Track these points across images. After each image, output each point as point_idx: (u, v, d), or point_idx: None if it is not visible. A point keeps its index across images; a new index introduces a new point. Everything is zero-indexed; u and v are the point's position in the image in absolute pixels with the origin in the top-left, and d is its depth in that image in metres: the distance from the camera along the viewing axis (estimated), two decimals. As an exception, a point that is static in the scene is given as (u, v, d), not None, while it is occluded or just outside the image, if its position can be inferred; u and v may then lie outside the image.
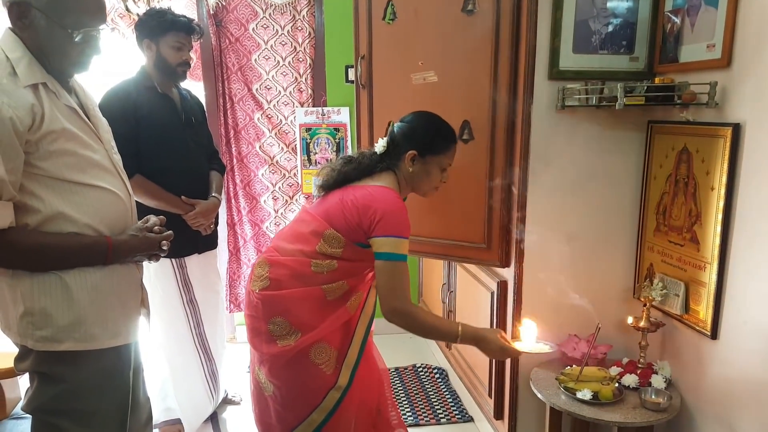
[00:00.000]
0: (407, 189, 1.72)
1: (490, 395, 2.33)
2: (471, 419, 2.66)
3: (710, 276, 1.70)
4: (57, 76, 1.38)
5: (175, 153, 2.29)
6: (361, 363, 1.69)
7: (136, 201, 1.67)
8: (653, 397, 1.80)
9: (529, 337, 1.76)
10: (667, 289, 1.87)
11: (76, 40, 1.34)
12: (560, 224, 2.01)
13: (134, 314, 1.52)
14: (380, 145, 1.69)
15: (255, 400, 1.76)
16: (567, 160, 1.97)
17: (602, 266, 2.07)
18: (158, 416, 2.46)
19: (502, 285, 2.15)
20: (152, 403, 1.71)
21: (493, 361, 2.26)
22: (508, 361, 2.15)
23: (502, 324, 2.18)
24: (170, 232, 1.54)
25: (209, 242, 2.48)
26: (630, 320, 1.91)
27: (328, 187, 1.69)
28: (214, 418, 2.62)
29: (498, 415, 2.30)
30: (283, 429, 1.68)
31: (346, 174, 1.67)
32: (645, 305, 1.87)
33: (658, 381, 1.86)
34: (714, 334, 1.70)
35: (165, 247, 1.51)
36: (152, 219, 1.54)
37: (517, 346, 1.69)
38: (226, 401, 2.73)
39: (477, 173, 2.06)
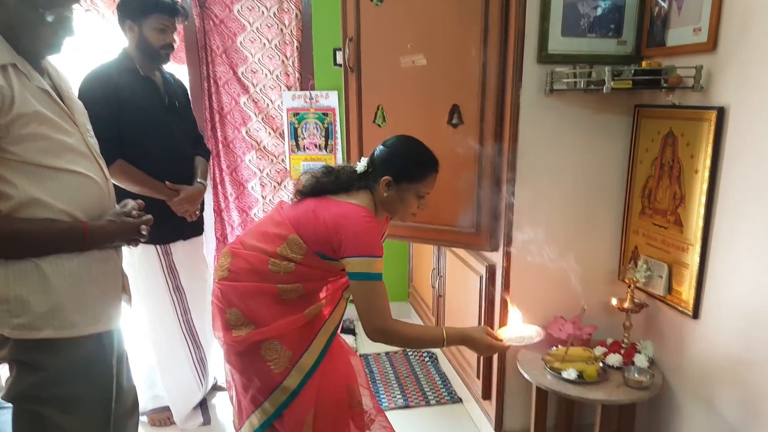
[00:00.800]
0: (383, 211, 1.73)
1: (478, 376, 2.38)
2: (460, 400, 2.72)
3: (693, 257, 1.75)
4: (28, 58, 1.34)
5: (158, 137, 2.28)
6: (325, 361, 1.70)
7: (120, 187, 1.65)
8: (636, 375, 1.85)
9: (515, 325, 1.77)
10: (651, 270, 1.93)
11: (48, 20, 1.31)
12: (547, 208, 2.05)
13: (115, 300, 1.51)
14: (362, 164, 1.71)
15: (228, 381, 1.82)
16: (555, 145, 2.00)
17: (588, 249, 2.12)
18: (146, 404, 2.48)
19: (491, 269, 2.19)
20: (140, 390, 1.70)
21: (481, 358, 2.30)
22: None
23: (489, 307, 2.22)
24: (149, 216, 1.52)
25: (195, 228, 2.48)
26: (614, 302, 1.96)
27: (305, 194, 1.71)
28: (203, 405, 2.63)
29: (486, 395, 2.35)
30: (246, 412, 1.74)
31: (323, 185, 1.69)
32: (629, 287, 1.92)
33: (641, 360, 1.92)
34: (696, 314, 1.76)
35: (144, 232, 1.49)
36: (130, 203, 1.53)
37: (504, 338, 1.69)
38: (216, 388, 2.76)
39: (466, 158, 2.08)
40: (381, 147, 1.72)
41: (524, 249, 2.05)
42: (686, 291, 1.79)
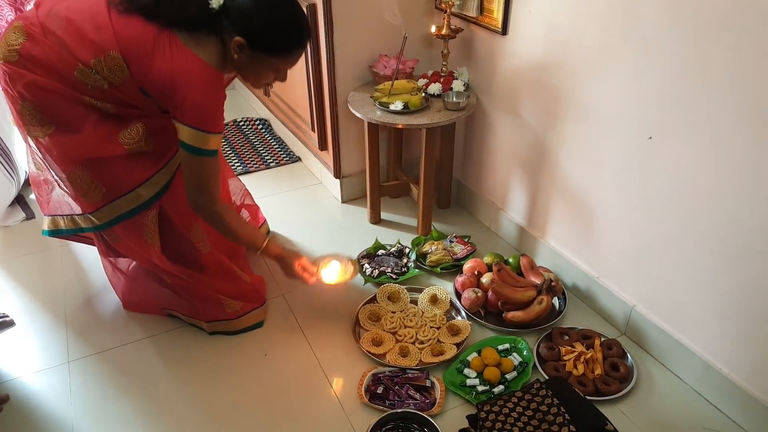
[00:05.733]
0: (231, 69, 1.37)
1: (313, 129, 2.33)
2: (298, 159, 2.70)
3: (503, -28, 1.72)
4: None
5: None
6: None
7: None
8: (454, 99, 1.92)
9: (333, 270, 1.70)
10: (465, -6, 1.88)
11: None
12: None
13: None
14: (216, 1, 1.25)
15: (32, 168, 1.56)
16: None
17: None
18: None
19: (312, 8, 1.99)
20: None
21: (313, 95, 2.20)
22: (326, 89, 2.10)
23: (315, 41, 2.06)
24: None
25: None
26: (433, 29, 1.92)
27: (138, 6, 1.26)
28: (21, 201, 2.31)
29: (323, 146, 2.34)
30: (53, 208, 1.54)
31: (164, 8, 1.25)
32: (446, 12, 1.88)
33: (458, 85, 1.97)
34: (504, 30, 1.79)
35: None
36: None
37: (322, 274, 1.66)
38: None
39: None
40: None
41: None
42: (496, 9, 1.79)
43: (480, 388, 1.48)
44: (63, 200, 1.53)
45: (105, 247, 1.65)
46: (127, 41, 1.25)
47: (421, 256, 1.99)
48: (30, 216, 2.24)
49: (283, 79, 1.42)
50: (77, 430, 1.44)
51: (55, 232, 1.59)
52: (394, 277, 1.90)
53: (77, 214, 1.51)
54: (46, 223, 1.60)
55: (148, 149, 1.41)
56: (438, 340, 1.65)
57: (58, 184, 1.48)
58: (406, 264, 1.96)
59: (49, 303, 1.84)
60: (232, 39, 1.27)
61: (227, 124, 2.99)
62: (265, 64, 1.35)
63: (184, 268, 1.58)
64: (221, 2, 1.26)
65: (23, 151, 2.28)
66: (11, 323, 1.76)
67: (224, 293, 1.65)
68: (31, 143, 1.40)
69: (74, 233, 1.58)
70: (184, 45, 1.26)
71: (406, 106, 1.88)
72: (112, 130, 1.35)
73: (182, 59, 1.26)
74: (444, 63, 2.01)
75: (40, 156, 1.42)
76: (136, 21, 1.26)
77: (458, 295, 1.80)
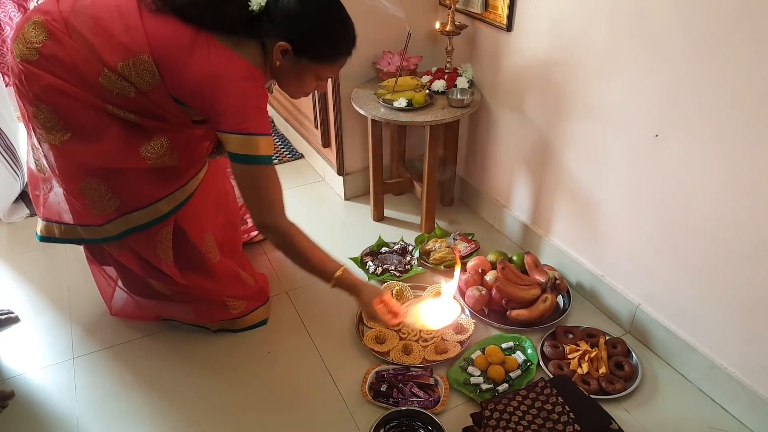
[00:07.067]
0: (270, 75, 1.28)
1: (316, 126, 2.32)
2: (302, 156, 2.68)
3: (508, -32, 1.69)
4: None
5: None
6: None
7: None
8: (458, 96, 1.89)
9: (435, 306, 1.48)
10: (470, -10, 1.86)
11: None
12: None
13: None
14: (257, 2, 1.17)
15: (30, 165, 1.46)
16: None
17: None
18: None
19: None
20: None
21: (316, 94, 2.18)
22: (330, 88, 2.08)
23: None
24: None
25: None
26: (437, 25, 1.90)
27: (173, 6, 1.17)
28: (25, 197, 2.30)
29: (326, 143, 2.32)
30: (51, 213, 1.45)
31: (200, 7, 1.16)
32: (450, 8, 1.85)
33: (462, 82, 1.95)
34: (509, 27, 1.76)
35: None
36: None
37: (408, 313, 1.45)
38: (36, 179, 2.39)
39: None
40: None
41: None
42: (501, 5, 1.77)
43: (484, 387, 1.46)
44: (60, 207, 1.42)
45: (92, 254, 1.59)
46: (159, 44, 1.16)
47: (425, 254, 1.97)
48: (34, 212, 2.24)
49: (324, 88, 1.30)
50: (82, 427, 1.43)
51: (47, 239, 1.47)
52: (397, 274, 1.88)
53: (80, 225, 1.39)
54: (39, 227, 1.48)
55: (173, 164, 1.33)
56: (442, 338, 1.63)
57: (64, 195, 1.38)
58: (409, 261, 1.95)
59: (53, 299, 1.83)
60: (275, 44, 1.19)
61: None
62: (308, 72, 1.26)
63: (194, 277, 1.52)
64: (262, 4, 1.18)
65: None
66: (16, 319, 1.75)
67: (229, 295, 1.62)
68: (42, 145, 1.31)
69: (69, 243, 1.48)
70: (221, 44, 1.17)
71: (409, 103, 1.86)
72: (134, 142, 1.26)
73: (221, 60, 1.16)
74: (448, 60, 1.98)
75: (50, 161, 1.32)
76: (171, 22, 1.17)
77: (462, 293, 1.78)
